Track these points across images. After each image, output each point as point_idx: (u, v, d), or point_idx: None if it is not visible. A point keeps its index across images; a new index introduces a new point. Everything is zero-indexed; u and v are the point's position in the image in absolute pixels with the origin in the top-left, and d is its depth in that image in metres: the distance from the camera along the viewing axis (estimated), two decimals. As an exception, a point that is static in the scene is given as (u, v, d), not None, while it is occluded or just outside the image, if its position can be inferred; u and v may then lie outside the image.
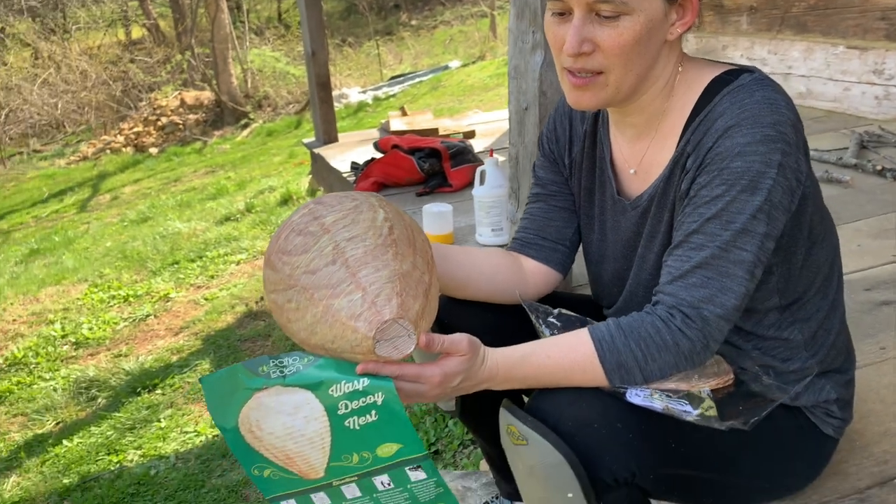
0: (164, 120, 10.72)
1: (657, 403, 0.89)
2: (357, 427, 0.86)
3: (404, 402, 0.87)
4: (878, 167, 2.40)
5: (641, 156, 1.03)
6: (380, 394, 0.86)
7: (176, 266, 4.39)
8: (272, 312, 0.96)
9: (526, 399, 0.97)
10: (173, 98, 11.25)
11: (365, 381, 0.86)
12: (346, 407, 0.86)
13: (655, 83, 0.98)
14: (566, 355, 0.91)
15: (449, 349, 0.88)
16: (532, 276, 1.17)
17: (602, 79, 0.93)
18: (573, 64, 0.93)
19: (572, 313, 1.08)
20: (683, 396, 0.90)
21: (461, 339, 0.89)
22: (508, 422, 0.90)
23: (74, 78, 12.01)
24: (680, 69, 0.98)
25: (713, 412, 0.89)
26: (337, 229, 0.89)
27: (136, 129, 10.75)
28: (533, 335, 1.05)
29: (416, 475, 0.90)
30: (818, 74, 3.34)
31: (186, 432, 2.60)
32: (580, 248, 1.21)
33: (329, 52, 3.44)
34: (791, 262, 0.96)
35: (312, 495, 0.93)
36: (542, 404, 0.90)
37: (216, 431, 2.58)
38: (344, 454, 0.88)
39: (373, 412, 0.86)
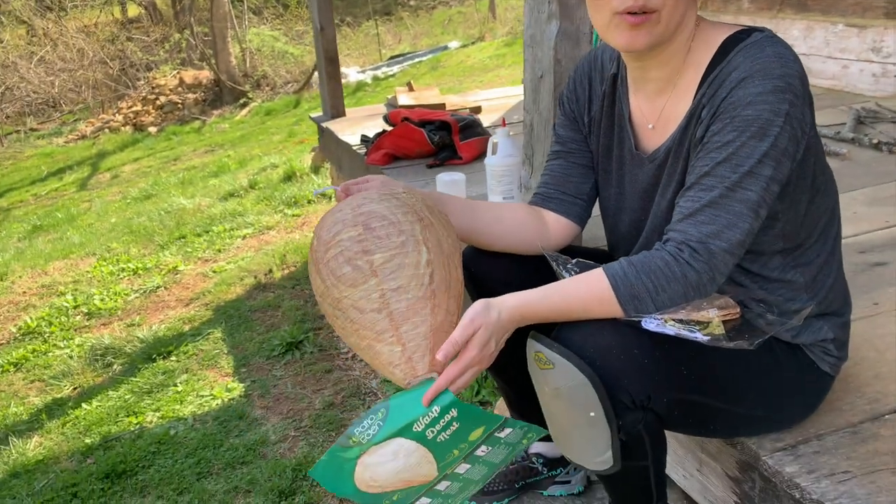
0: (162, 99, 10.71)
1: (670, 329, 0.98)
2: (447, 437, 1.00)
3: (467, 384, 1.01)
4: (875, 141, 2.48)
5: (660, 111, 1.10)
6: (453, 410, 0.99)
7: (183, 240, 4.46)
8: (319, 303, 1.10)
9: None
10: (172, 77, 11.23)
11: (436, 408, 0.99)
12: (433, 432, 0.99)
13: (682, 32, 1.05)
14: (584, 291, 1.00)
15: (463, 341, 0.98)
16: (553, 228, 1.26)
17: (655, 16, 1.00)
18: (634, 2, 0.98)
19: (589, 261, 1.16)
20: (694, 322, 0.99)
21: (464, 323, 0.98)
22: (536, 349, 0.98)
23: (71, 56, 11.96)
24: (697, 29, 1.06)
25: (721, 331, 0.98)
26: (384, 275, 1.01)
27: (134, 108, 10.74)
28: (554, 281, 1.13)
29: (504, 432, 1.04)
30: (818, 52, 3.42)
31: (203, 396, 2.69)
32: (597, 203, 1.29)
33: (334, 30, 3.50)
34: (795, 210, 1.04)
35: (437, 486, 1.07)
36: (567, 333, 0.99)
37: (232, 395, 2.67)
38: (447, 455, 1.02)
39: (454, 423, 1.00)
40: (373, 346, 1.03)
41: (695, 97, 1.03)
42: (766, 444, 1.11)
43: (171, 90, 10.98)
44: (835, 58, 3.33)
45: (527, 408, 1.34)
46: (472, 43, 10.91)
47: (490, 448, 1.06)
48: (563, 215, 1.27)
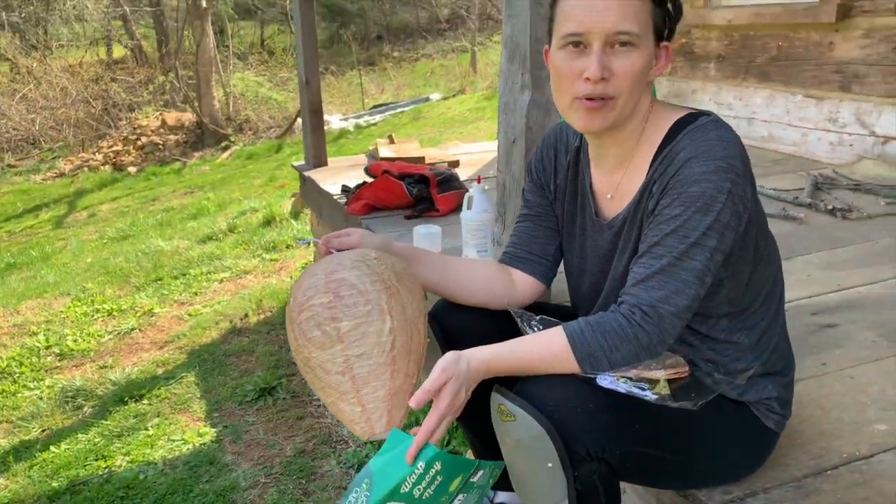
0: (143, 140, 10.77)
1: (622, 387, 1.05)
2: (432, 492, 1.05)
3: (444, 434, 1.06)
4: (830, 207, 2.62)
5: (617, 183, 1.20)
6: (437, 463, 1.04)
7: (159, 282, 4.47)
8: (293, 355, 1.20)
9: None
10: (154, 118, 11.31)
11: (421, 465, 1.04)
12: (420, 490, 1.04)
13: (637, 115, 1.15)
14: (545, 347, 1.08)
15: (434, 390, 1.04)
16: (520, 286, 1.34)
17: (612, 103, 1.11)
18: (592, 90, 1.08)
19: (552, 318, 1.24)
20: (643, 381, 1.06)
21: (435, 374, 1.05)
22: (499, 402, 1.05)
23: (54, 94, 12.02)
24: (651, 110, 1.16)
25: (667, 391, 1.06)
26: (349, 341, 1.11)
27: (115, 148, 10.78)
28: (519, 336, 1.21)
29: (477, 476, 1.10)
30: (779, 120, 3.60)
31: (174, 440, 2.69)
32: (562, 264, 1.38)
33: (319, 81, 3.61)
34: (739, 277, 1.13)
35: None
36: (528, 387, 1.06)
37: (203, 440, 2.67)
38: None
39: (438, 477, 1.05)
40: (336, 404, 1.12)
41: (647, 173, 1.13)
42: (716, 496, 1.17)
43: (152, 131, 11.05)
44: (795, 126, 3.51)
45: (492, 458, 1.39)
46: (454, 95, 11.17)
47: (465, 495, 1.10)
48: (530, 274, 1.35)
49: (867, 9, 3.10)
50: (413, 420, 1.13)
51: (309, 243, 1.36)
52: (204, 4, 10.57)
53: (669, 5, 1.11)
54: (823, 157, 3.38)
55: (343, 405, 1.11)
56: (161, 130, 11.08)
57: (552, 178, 1.33)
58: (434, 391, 1.05)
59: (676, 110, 1.16)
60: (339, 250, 1.27)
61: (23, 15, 13.06)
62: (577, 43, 1.09)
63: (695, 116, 1.12)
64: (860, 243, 2.31)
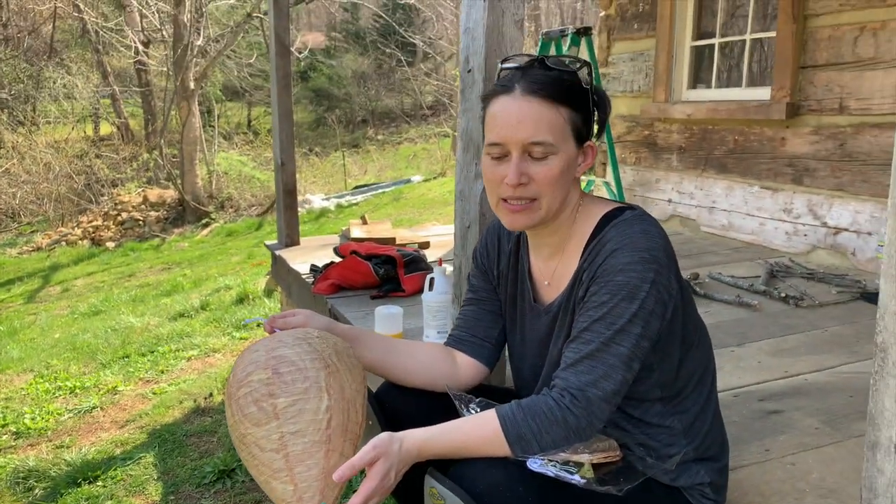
0: (124, 215, 10.83)
1: (550, 470, 1.07)
2: None
3: None
4: (783, 294, 2.70)
5: (553, 270, 1.26)
6: None
7: (126, 359, 4.42)
8: (230, 433, 1.20)
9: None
10: (136, 195, 11.42)
11: None
12: None
13: (566, 209, 1.23)
14: (478, 430, 1.10)
15: (360, 466, 1.06)
16: (463, 368, 1.38)
17: (536, 204, 1.19)
18: (512, 193, 1.17)
19: (492, 401, 1.26)
20: (572, 464, 1.08)
21: (365, 450, 1.07)
22: (431, 485, 1.06)
23: (37, 169, 12.13)
24: (581, 203, 1.24)
25: (591, 475, 1.07)
26: (285, 418, 1.12)
27: (94, 223, 10.81)
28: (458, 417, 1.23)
29: None
30: (738, 209, 3.73)
31: (125, 524, 2.61)
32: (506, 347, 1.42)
33: (296, 160, 3.71)
34: (670, 362, 1.17)
35: None
36: (460, 470, 1.08)
37: (155, 523, 2.59)
38: None
39: None
40: (269, 482, 1.12)
41: (579, 261, 1.19)
42: (652, 585, 1.17)
43: (133, 207, 11.12)
44: (753, 215, 3.64)
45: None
46: (434, 178, 11.43)
47: None
48: (473, 357, 1.39)
49: (814, 108, 3.29)
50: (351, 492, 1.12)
51: (255, 323, 1.36)
52: (192, 86, 10.88)
53: (592, 106, 1.20)
54: (780, 246, 3.49)
55: (275, 483, 1.10)
56: (142, 206, 11.16)
57: (496, 264, 1.39)
58: (359, 467, 1.07)
59: (605, 204, 1.24)
60: (283, 330, 1.30)
61: (12, 92, 13.31)
62: (498, 151, 1.17)
63: (621, 210, 1.20)
64: (810, 331, 2.37)
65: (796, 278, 3.00)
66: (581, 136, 1.18)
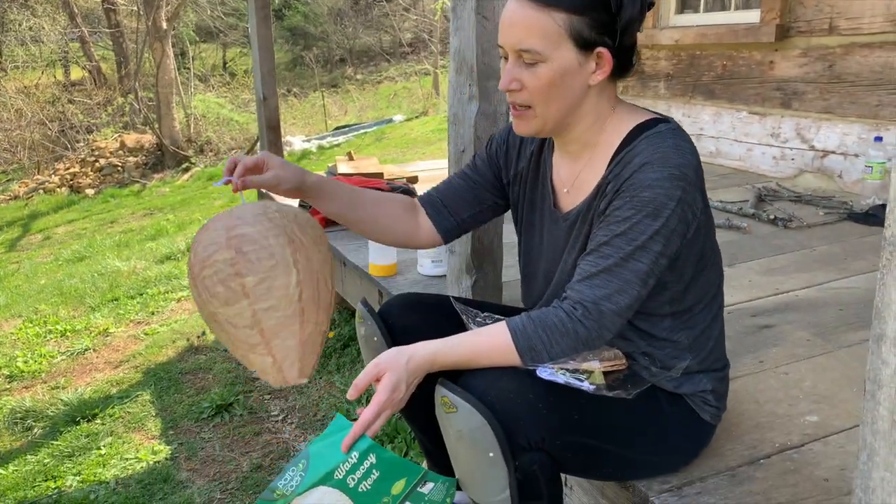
0: (102, 161, 10.61)
1: (560, 378, 1.08)
2: (369, 487, 1.07)
3: (382, 426, 1.09)
4: (772, 217, 2.72)
5: (575, 177, 1.24)
6: (371, 455, 1.07)
7: (115, 303, 4.40)
8: (198, 310, 1.19)
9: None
10: (113, 140, 11.17)
11: (355, 454, 1.07)
12: (354, 480, 1.06)
13: (584, 119, 1.18)
14: (488, 341, 1.11)
15: (364, 385, 1.08)
16: (423, 230, 1.40)
17: (530, 112, 1.16)
18: (509, 98, 1.17)
19: (498, 315, 1.27)
20: (581, 372, 1.10)
21: (366, 369, 1.09)
22: (442, 394, 1.08)
23: (9, 116, 11.80)
24: (613, 112, 1.19)
25: (602, 381, 1.09)
26: (256, 296, 1.10)
27: (72, 170, 10.59)
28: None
29: (427, 487, 1.11)
30: (725, 136, 3.73)
31: (127, 458, 2.64)
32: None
33: (277, 99, 3.64)
34: (683, 280, 1.18)
35: None
36: (470, 380, 1.09)
37: (157, 457, 2.63)
38: None
39: (374, 471, 1.07)
40: (247, 356, 1.13)
41: (604, 172, 1.17)
42: (655, 486, 1.21)
43: (111, 153, 10.90)
44: (740, 141, 3.64)
45: (442, 456, 1.42)
46: (416, 117, 11.27)
47: None
48: (435, 224, 1.40)
49: (803, 29, 3.25)
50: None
51: (225, 183, 1.27)
52: (164, 26, 10.53)
53: (602, 13, 1.10)
54: (767, 171, 3.50)
55: (254, 357, 1.12)
56: (120, 152, 10.94)
57: (513, 164, 1.36)
58: (363, 386, 1.08)
59: (638, 114, 1.19)
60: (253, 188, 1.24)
61: (-24, 36, 12.83)
62: (502, 53, 1.15)
63: (655, 122, 1.16)
64: (799, 250, 2.40)
65: (784, 201, 3.02)
66: (586, 42, 1.11)
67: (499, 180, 1.40)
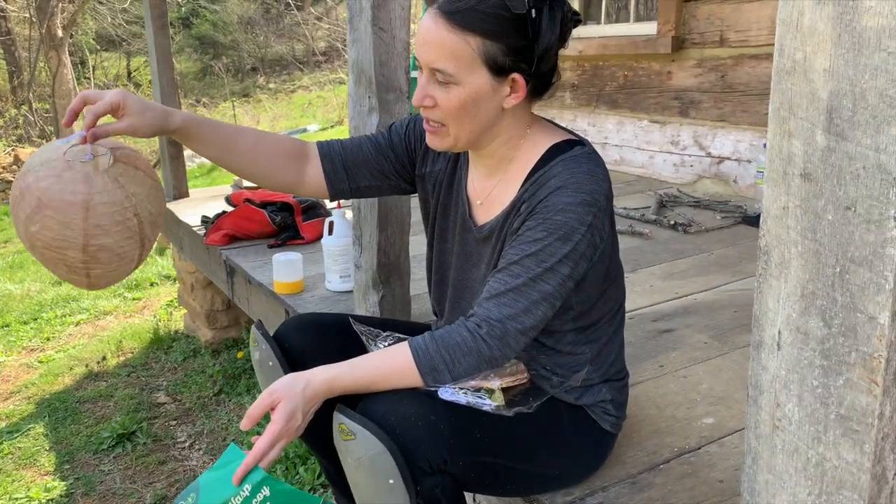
0: (-7, 177, 9.96)
1: (461, 398, 1.07)
2: None
3: (278, 456, 1.02)
4: (672, 222, 2.82)
5: (489, 192, 1.23)
6: (265, 488, 1.02)
7: (6, 329, 4.12)
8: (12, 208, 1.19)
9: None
10: (6, 154, 10.51)
11: (247, 487, 1.01)
12: None
13: (497, 137, 1.18)
14: (389, 364, 1.08)
15: (259, 414, 1.05)
16: (310, 180, 1.35)
17: (444, 129, 1.15)
18: (423, 113, 1.15)
19: (400, 335, 1.24)
20: (483, 391, 1.09)
21: (261, 397, 1.05)
22: (340, 421, 1.04)
23: None
24: (528, 130, 1.19)
25: (501, 401, 1.08)
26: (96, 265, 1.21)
27: (-41, 187, 9.89)
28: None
29: None
30: (628, 144, 3.84)
31: (17, 498, 2.46)
32: (422, 258, 1.39)
33: (182, 111, 3.48)
34: (588, 300, 1.19)
35: None
36: (369, 405, 1.06)
37: (51, 494, 2.46)
38: None
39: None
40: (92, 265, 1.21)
41: (519, 190, 1.16)
42: (558, 499, 1.21)
43: (4, 168, 10.24)
44: (643, 149, 3.76)
45: (346, 482, 1.37)
46: (332, 126, 11.14)
47: None
48: (328, 181, 1.35)
49: (697, 41, 3.40)
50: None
51: (72, 144, 1.17)
52: (60, 34, 10.02)
53: (519, 39, 1.08)
54: (669, 178, 3.63)
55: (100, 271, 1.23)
56: (14, 167, 10.29)
57: (431, 161, 1.33)
58: (257, 415, 1.03)
59: (554, 133, 1.19)
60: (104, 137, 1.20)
61: None
62: (419, 65, 1.12)
63: (570, 144, 1.16)
64: (697, 254, 2.49)
65: (684, 207, 3.13)
66: (500, 68, 1.09)
67: (410, 167, 1.37)
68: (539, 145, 1.18)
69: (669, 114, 3.60)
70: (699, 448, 1.35)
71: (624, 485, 1.25)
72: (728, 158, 3.34)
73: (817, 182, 0.71)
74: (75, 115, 1.18)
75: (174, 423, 2.91)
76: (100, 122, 1.18)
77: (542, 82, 1.15)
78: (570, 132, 1.22)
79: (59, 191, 1.13)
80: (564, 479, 1.23)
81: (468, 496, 1.36)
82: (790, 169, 0.76)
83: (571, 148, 1.15)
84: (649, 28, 3.67)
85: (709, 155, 3.43)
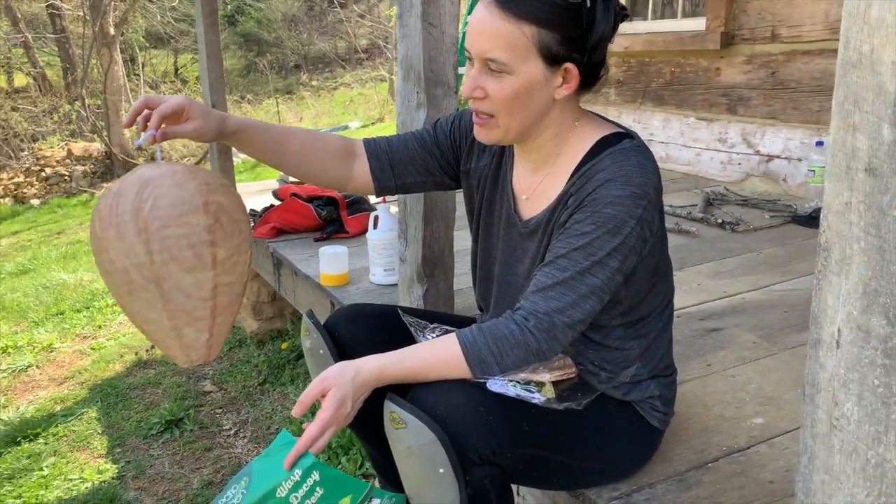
0: (48, 171, 10.28)
1: (511, 390, 1.07)
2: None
3: (328, 443, 1.04)
4: (719, 221, 2.77)
5: (535, 186, 1.23)
6: (314, 473, 1.04)
7: (61, 316, 4.26)
8: (113, 262, 1.06)
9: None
10: (59, 149, 10.85)
11: (297, 472, 1.03)
12: (297, 498, 1.03)
13: (546, 130, 1.18)
14: (438, 354, 1.09)
15: (309, 401, 1.07)
16: (357, 178, 1.39)
17: (493, 121, 1.15)
18: (472, 105, 1.15)
19: (447, 326, 1.26)
20: (532, 384, 1.09)
21: (311, 385, 1.07)
22: (391, 410, 1.06)
23: (-52, 124, 11.37)
24: (577, 123, 1.19)
25: (552, 394, 1.09)
26: (223, 269, 1.07)
27: (16, 180, 10.24)
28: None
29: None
30: (674, 141, 3.79)
31: (71, 479, 2.55)
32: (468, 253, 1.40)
33: (227, 107, 3.57)
34: (637, 294, 1.18)
35: None
36: (419, 394, 1.07)
37: (103, 477, 2.54)
38: None
39: (318, 489, 1.04)
40: (180, 328, 1.06)
41: (566, 184, 1.16)
42: (604, 494, 1.21)
43: (58, 161, 10.58)
44: (689, 146, 3.71)
45: (392, 471, 1.39)
46: (372, 123, 11.22)
47: None
48: (374, 179, 1.38)
49: (747, 37, 3.33)
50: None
51: (148, 142, 1.13)
52: (112, 32, 10.29)
53: (573, 28, 1.07)
54: (716, 176, 3.58)
55: (188, 330, 1.06)
56: (67, 161, 10.63)
57: (476, 156, 1.34)
58: (308, 402, 1.05)
59: (602, 126, 1.18)
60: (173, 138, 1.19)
61: (-88, 41, 12.34)
62: (471, 58, 1.13)
63: (619, 137, 1.15)
64: (746, 254, 2.45)
65: (731, 205, 3.08)
66: (554, 57, 1.09)
67: (455, 163, 1.39)
68: (587, 138, 1.17)
69: (717, 111, 3.54)
70: (748, 448, 1.33)
71: (671, 482, 1.24)
72: (777, 157, 3.27)
73: (883, 177, 0.70)
74: (136, 117, 1.21)
75: (220, 411, 2.97)
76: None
77: (591, 74, 1.15)
78: (619, 125, 1.21)
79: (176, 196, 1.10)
80: (611, 474, 1.22)
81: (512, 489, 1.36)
82: (854, 164, 0.74)
83: (620, 141, 1.14)
84: (697, 24, 3.61)
85: (757, 153, 3.36)
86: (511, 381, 1.11)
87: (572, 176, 1.15)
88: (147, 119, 1.17)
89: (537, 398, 1.11)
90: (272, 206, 2.90)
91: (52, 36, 13.19)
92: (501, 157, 1.32)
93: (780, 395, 1.51)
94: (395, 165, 1.38)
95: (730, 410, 1.46)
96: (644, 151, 1.14)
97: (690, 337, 1.81)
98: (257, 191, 3.61)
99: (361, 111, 12.56)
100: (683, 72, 3.70)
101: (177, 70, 16.95)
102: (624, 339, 1.21)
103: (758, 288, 2.13)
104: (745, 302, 2.03)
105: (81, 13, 11.30)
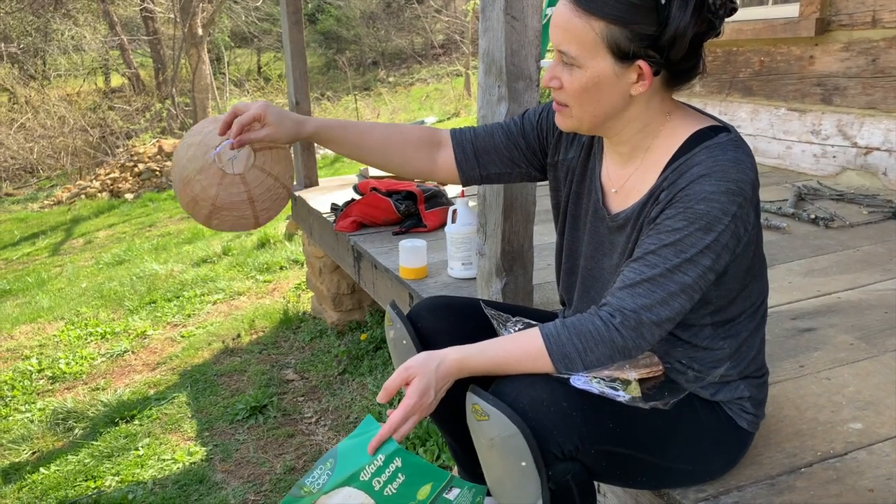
0: (141, 166, 10.82)
1: (595, 387, 1.06)
2: (395, 490, 1.07)
3: (411, 430, 1.07)
4: (812, 216, 2.65)
5: (625, 180, 1.21)
6: (397, 459, 1.07)
7: (153, 305, 4.48)
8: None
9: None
10: (151, 145, 11.40)
11: (381, 457, 1.07)
12: (379, 483, 1.06)
13: (630, 124, 1.15)
14: (521, 347, 1.09)
15: (394, 387, 1.08)
16: (442, 168, 1.41)
17: (567, 111, 1.15)
18: (552, 94, 1.16)
19: (530, 320, 1.25)
20: (617, 381, 1.07)
21: (396, 372, 1.09)
22: (473, 401, 1.06)
23: (52, 123, 12.11)
24: (668, 117, 1.15)
25: (638, 393, 1.06)
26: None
27: (112, 175, 10.83)
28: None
29: (452, 493, 1.10)
30: (763, 134, 3.64)
31: (164, 459, 2.68)
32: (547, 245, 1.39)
33: (310, 104, 3.66)
34: (728, 294, 1.14)
35: None
36: (502, 387, 1.07)
37: (193, 458, 2.67)
38: None
39: (399, 475, 1.07)
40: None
41: (658, 178, 1.13)
42: (690, 495, 1.18)
43: (150, 157, 11.11)
44: (779, 139, 3.55)
45: (472, 462, 1.40)
46: (448, 118, 11.27)
47: None
48: (459, 169, 1.39)
49: (845, 23, 3.16)
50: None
51: (225, 149, 1.38)
52: (200, 32, 10.72)
53: (646, 26, 1.03)
54: (808, 169, 3.41)
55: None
56: (158, 157, 11.15)
57: (564, 148, 1.33)
58: (393, 389, 1.07)
59: (697, 120, 1.15)
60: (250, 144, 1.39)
61: (21, 46, 13.20)
62: (551, 49, 1.13)
63: (715, 131, 1.11)
64: (841, 251, 2.33)
65: (825, 200, 2.93)
66: (625, 53, 1.06)
67: (542, 154, 1.38)
68: (680, 132, 1.14)
69: (810, 101, 3.37)
70: (845, 454, 1.27)
71: (762, 486, 1.19)
72: (877, 149, 3.09)
73: None
74: (228, 125, 1.32)
75: (301, 399, 3.06)
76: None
77: (677, 71, 1.10)
78: (715, 118, 1.17)
79: (227, 195, 1.39)
80: (697, 475, 1.19)
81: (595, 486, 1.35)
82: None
83: (716, 134, 1.10)
84: (790, 10, 3.45)
85: (854, 145, 3.19)
86: (595, 377, 1.09)
87: (664, 170, 1.12)
88: (229, 126, 1.33)
89: (622, 396, 1.09)
90: (353, 200, 2.96)
91: (145, 38, 13.86)
92: (590, 149, 1.30)
93: (880, 400, 1.43)
94: (479, 155, 1.39)
95: (824, 414, 1.40)
96: (742, 146, 1.09)
97: (781, 337, 1.74)
98: (338, 185, 3.69)
99: (437, 106, 12.64)
100: (774, 61, 3.54)
101: (259, 68, 17.51)
102: (713, 338, 1.17)
103: (855, 287, 2.03)
104: (841, 301, 1.94)
105: (172, 15, 11.82)
